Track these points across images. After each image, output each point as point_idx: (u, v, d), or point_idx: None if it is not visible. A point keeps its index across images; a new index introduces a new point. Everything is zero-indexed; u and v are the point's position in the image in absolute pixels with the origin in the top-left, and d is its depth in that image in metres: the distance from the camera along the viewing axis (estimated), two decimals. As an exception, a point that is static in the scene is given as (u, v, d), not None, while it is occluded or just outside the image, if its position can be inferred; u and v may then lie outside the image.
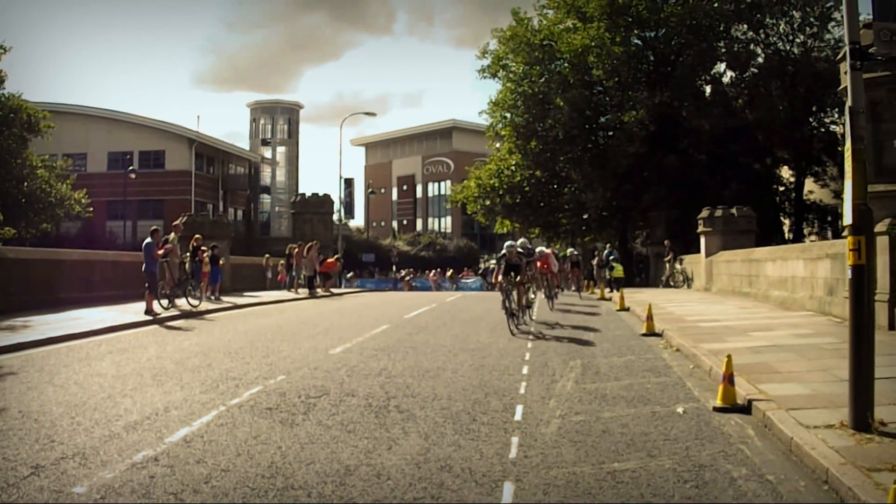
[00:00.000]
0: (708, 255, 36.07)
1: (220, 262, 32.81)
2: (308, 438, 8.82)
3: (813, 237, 52.18)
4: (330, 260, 43.22)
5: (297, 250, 40.71)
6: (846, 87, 9.05)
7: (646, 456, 8.15)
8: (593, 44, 48.75)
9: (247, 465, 7.83)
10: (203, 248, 31.17)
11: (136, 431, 9.15)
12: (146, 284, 23.88)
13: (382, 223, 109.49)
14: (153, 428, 9.36)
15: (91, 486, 7.13)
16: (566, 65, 51.74)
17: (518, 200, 55.72)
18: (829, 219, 51.40)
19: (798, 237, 50.94)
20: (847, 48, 8.92)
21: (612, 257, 42.40)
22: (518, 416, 10.08)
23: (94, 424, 9.48)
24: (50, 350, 16.18)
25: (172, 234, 25.87)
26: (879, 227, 15.88)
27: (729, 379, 10.28)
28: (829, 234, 50.48)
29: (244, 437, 8.91)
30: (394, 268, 77.67)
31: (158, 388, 11.85)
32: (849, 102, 8.85)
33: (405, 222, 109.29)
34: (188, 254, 29.28)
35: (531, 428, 9.47)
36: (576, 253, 40.14)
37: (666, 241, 44.50)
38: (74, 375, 13.12)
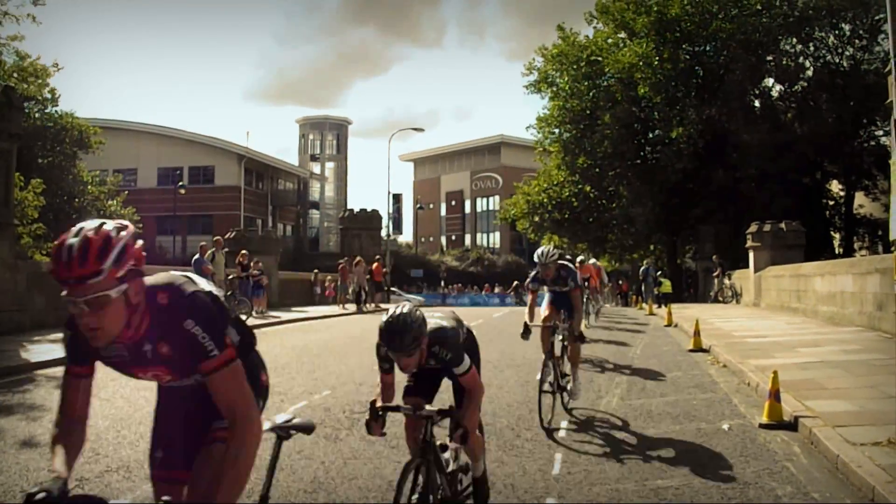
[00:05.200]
0: (756, 270, 35.80)
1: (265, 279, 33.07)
2: (351, 454, 8.87)
3: (864, 252, 51.68)
4: (376, 265, 43.05)
5: (343, 266, 40.87)
6: (893, 101, 8.97)
7: (690, 473, 8.09)
8: (640, 62, 48.69)
9: (289, 479, 7.87)
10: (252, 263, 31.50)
11: (181, 445, 9.20)
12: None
13: (431, 238, 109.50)
14: (198, 442, 9.40)
15: (134, 499, 7.18)
16: (613, 81, 51.80)
17: (567, 216, 55.69)
18: (880, 233, 50.80)
19: (848, 252, 50.47)
20: (893, 61, 8.84)
21: (658, 272, 42.28)
22: (562, 433, 10.05)
23: (138, 438, 9.54)
24: (96, 364, 16.28)
25: (210, 252, 25.95)
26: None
27: (775, 395, 10.17)
28: (881, 248, 49.92)
29: (287, 451, 8.88)
30: (442, 283, 77.66)
31: (204, 402, 11.90)
32: (894, 115, 8.77)
33: (453, 238, 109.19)
34: (237, 269, 29.60)
35: (575, 444, 9.45)
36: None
37: (714, 257, 44.33)
38: (121, 389, 13.20)
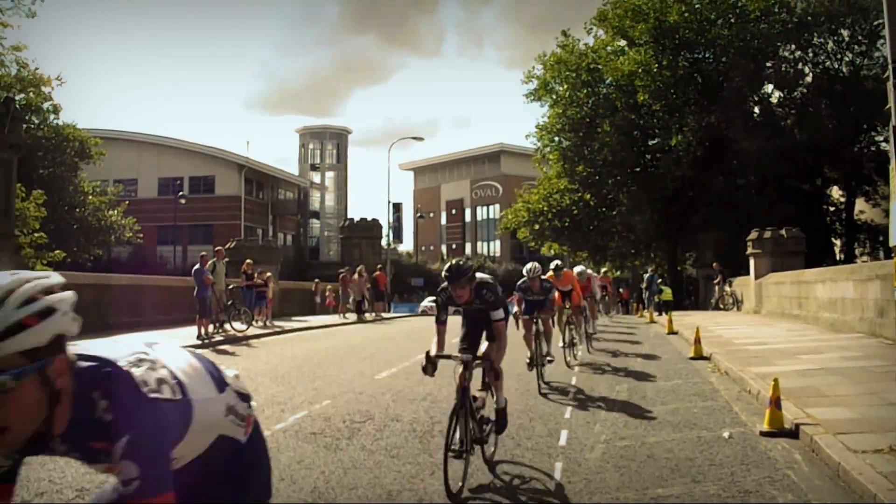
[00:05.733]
0: (757, 277, 35.79)
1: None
2: (351, 463, 8.84)
3: (865, 258, 51.66)
4: (378, 273, 43.05)
5: (344, 275, 40.90)
6: (892, 106, 8.94)
7: (690, 482, 8.07)
8: (639, 69, 48.68)
9: (290, 489, 7.85)
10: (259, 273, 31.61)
11: (180, 456, 9.19)
12: (198, 309, 24.17)
13: (431, 247, 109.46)
14: (198, 453, 9.39)
15: None
16: (612, 89, 51.83)
17: (567, 224, 55.63)
18: (881, 239, 50.74)
19: (849, 258, 50.47)
20: (891, 66, 8.83)
21: (658, 280, 42.24)
22: (563, 441, 10.02)
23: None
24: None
25: (210, 262, 25.94)
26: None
27: (775, 403, 10.14)
28: (882, 254, 49.86)
29: (288, 461, 8.93)
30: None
31: (204, 413, 11.89)
32: (892, 121, 8.75)
33: (454, 246, 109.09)
34: (242, 278, 29.72)
35: (575, 453, 9.42)
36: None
37: (714, 264, 44.32)
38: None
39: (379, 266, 45.83)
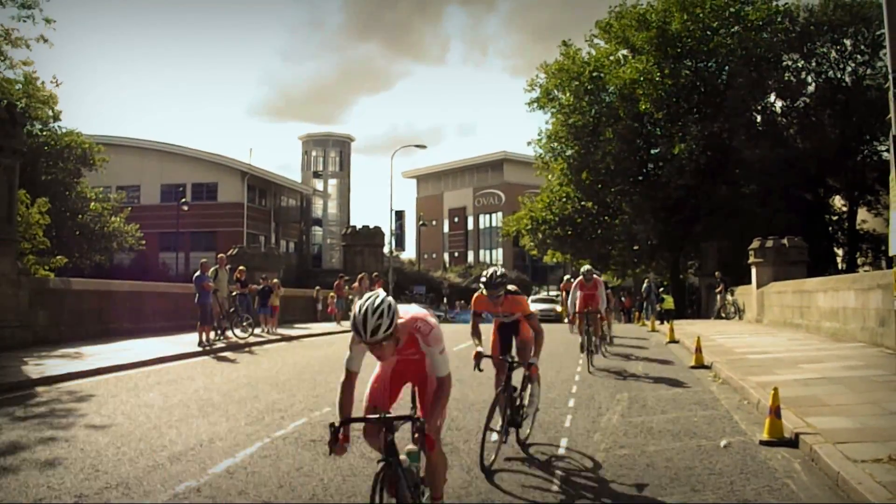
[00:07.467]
0: (759, 286, 35.77)
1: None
2: (350, 471, 8.81)
3: (867, 267, 51.66)
4: (377, 279, 43.08)
5: (338, 283, 40.89)
6: (893, 117, 8.95)
7: (689, 490, 8.06)
8: (642, 77, 48.68)
9: (288, 496, 7.86)
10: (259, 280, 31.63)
11: (179, 462, 9.21)
12: (199, 316, 24.18)
13: (434, 255, 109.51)
14: (197, 459, 9.40)
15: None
16: (615, 97, 51.79)
17: (569, 232, 55.52)
18: (883, 248, 50.69)
19: (851, 267, 50.50)
20: (892, 76, 8.84)
21: (660, 289, 42.23)
22: (562, 450, 10.02)
23: (138, 455, 9.55)
24: (99, 380, 16.34)
25: (212, 269, 26.02)
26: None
27: (775, 412, 10.13)
28: (884, 264, 49.83)
29: (287, 468, 8.93)
30: (444, 300, 77.63)
31: (204, 419, 11.92)
32: (893, 131, 8.76)
33: (456, 254, 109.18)
34: (236, 285, 29.64)
35: (575, 462, 9.42)
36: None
37: (717, 273, 44.31)
38: (122, 406, 13.22)
39: (376, 273, 45.65)
